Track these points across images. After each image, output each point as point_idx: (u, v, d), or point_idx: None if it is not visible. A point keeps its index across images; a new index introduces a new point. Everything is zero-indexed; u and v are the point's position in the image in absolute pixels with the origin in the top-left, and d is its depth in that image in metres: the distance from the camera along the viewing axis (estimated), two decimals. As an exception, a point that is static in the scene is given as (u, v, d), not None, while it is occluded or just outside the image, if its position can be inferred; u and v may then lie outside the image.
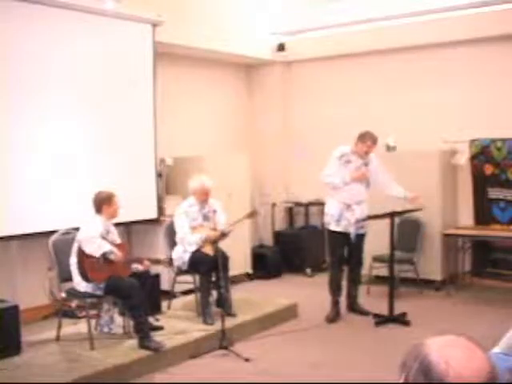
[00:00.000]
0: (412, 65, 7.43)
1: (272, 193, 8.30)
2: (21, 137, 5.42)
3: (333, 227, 5.79)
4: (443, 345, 1.13)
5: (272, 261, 7.82)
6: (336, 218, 5.75)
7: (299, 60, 8.36)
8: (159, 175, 6.79)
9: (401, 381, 1.15)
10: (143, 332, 4.61)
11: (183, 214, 5.50)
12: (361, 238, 5.85)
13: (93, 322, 4.88)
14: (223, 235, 5.41)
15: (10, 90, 5.33)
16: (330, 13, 7.70)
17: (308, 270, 7.81)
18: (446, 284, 6.84)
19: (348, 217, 5.71)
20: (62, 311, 4.95)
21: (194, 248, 5.40)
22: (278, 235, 8.22)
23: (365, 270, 6.33)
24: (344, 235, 5.78)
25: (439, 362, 1.09)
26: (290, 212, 8.48)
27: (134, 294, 4.61)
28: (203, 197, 5.53)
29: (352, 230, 5.74)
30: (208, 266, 5.30)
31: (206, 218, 5.53)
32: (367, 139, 5.68)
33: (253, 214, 5.95)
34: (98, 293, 4.71)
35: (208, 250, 5.40)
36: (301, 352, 4.96)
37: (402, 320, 5.61)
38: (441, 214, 6.86)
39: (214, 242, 5.35)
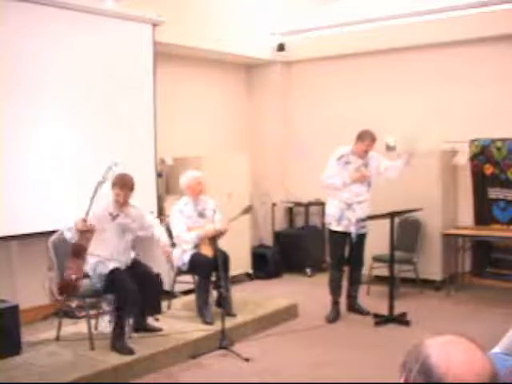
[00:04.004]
0: (412, 65, 7.43)
1: (272, 193, 8.30)
2: (21, 136, 5.42)
3: (334, 227, 5.79)
4: (444, 346, 1.13)
5: (272, 261, 7.82)
6: (337, 217, 5.74)
7: (299, 60, 8.35)
8: (159, 175, 6.79)
9: (401, 381, 1.15)
10: (119, 334, 4.56)
11: (178, 212, 5.49)
12: (362, 237, 5.85)
13: (93, 321, 4.88)
14: (221, 233, 5.40)
15: (10, 89, 5.33)
16: (330, 13, 7.70)
17: (308, 270, 7.81)
18: (446, 284, 6.84)
19: (349, 216, 5.71)
20: (62, 311, 4.95)
21: (191, 246, 5.39)
22: (278, 235, 8.21)
23: (365, 270, 6.32)
24: (345, 235, 5.78)
25: (440, 363, 1.09)
26: (289, 212, 8.47)
27: (130, 300, 4.57)
28: (197, 188, 5.50)
29: (353, 230, 5.73)
30: (208, 268, 5.29)
31: (200, 215, 5.52)
32: (366, 138, 5.68)
33: (248, 210, 5.90)
34: (98, 286, 4.70)
35: (207, 250, 5.39)
36: (301, 352, 4.95)
37: (401, 320, 5.61)
38: (441, 214, 6.85)
39: (210, 240, 5.34)
